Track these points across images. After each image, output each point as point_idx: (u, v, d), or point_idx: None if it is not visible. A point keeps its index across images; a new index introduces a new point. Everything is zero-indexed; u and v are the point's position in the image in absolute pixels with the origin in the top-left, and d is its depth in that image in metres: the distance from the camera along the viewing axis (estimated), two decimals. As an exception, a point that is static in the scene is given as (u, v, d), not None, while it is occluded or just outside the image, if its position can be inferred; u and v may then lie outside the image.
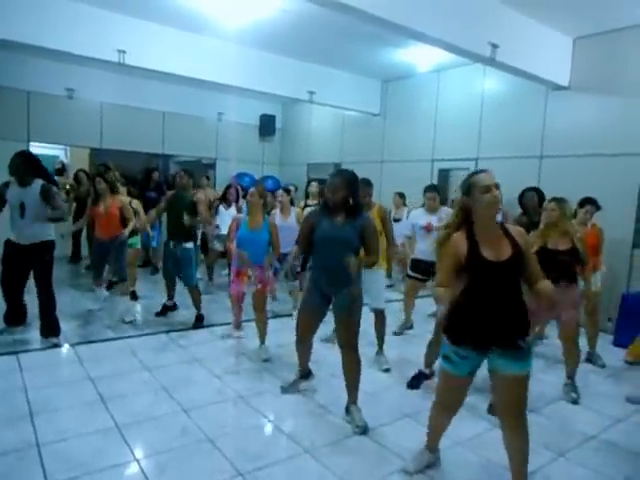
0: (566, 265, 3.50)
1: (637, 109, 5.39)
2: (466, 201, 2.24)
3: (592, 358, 4.44)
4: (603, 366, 4.38)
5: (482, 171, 2.28)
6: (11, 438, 2.75)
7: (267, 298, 4.33)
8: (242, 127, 10.20)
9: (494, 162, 6.41)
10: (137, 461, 2.62)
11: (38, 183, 4.04)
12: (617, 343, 4.99)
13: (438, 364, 2.56)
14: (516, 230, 2.30)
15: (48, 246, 4.18)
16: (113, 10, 5.57)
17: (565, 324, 3.63)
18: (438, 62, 7.05)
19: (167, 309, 5.32)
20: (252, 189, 4.24)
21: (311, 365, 3.59)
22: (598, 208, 4.49)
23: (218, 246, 6.38)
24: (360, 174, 3.24)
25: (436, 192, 4.69)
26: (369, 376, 3.32)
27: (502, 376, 2.23)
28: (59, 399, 3.28)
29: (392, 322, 4.29)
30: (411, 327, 5.09)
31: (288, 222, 5.33)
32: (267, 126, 10.68)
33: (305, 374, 3.56)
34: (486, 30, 4.98)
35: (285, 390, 3.50)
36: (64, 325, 4.50)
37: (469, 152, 7.18)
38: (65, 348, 4.26)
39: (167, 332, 4.79)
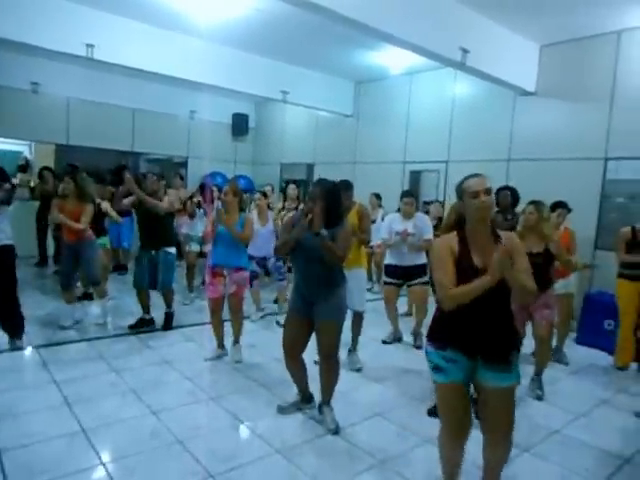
0: (539, 268, 3.60)
1: (599, 115, 5.62)
2: (460, 205, 2.21)
3: (559, 356, 4.57)
4: (567, 364, 4.53)
5: (475, 175, 2.19)
6: (-30, 444, 2.64)
7: (243, 299, 4.27)
8: (214, 126, 10.10)
9: (463, 165, 6.54)
10: (104, 465, 2.56)
11: None
12: (580, 341, 5.17)
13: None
14: (506, 235, 2.23)
15: (6, 251, 3.96)
16: (82, 3, 5.44)
17: (539, 324, 3.73)
18: (410, 65, 7.14)
19: (144, 323, 4.83)
20: (226, 187, 4.25)
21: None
22: (569, 211, 4.63)
23: (194, 247, 6.26)
24: (333, 175, 3.23)
25: (413, 198, 4.74)
26: (341, 375, 3.32)
27: (490, 390, 2.12)
28: (22, 403, 3.17)
29: (367, 321, 4.31)
30: (400, 340, 4.93)
31: (266, 228, 5.28)
32: (240, 125, 10.64)
33: (306, 398, 3.30)
34: (457, 35, 5.09)
35: (282, 410, 3.24)
36: (28, 327, 4.34)
37: (439, 155, 7.31)
38: (28, 351, 4.12)
39: (136, 333, 4.70)
